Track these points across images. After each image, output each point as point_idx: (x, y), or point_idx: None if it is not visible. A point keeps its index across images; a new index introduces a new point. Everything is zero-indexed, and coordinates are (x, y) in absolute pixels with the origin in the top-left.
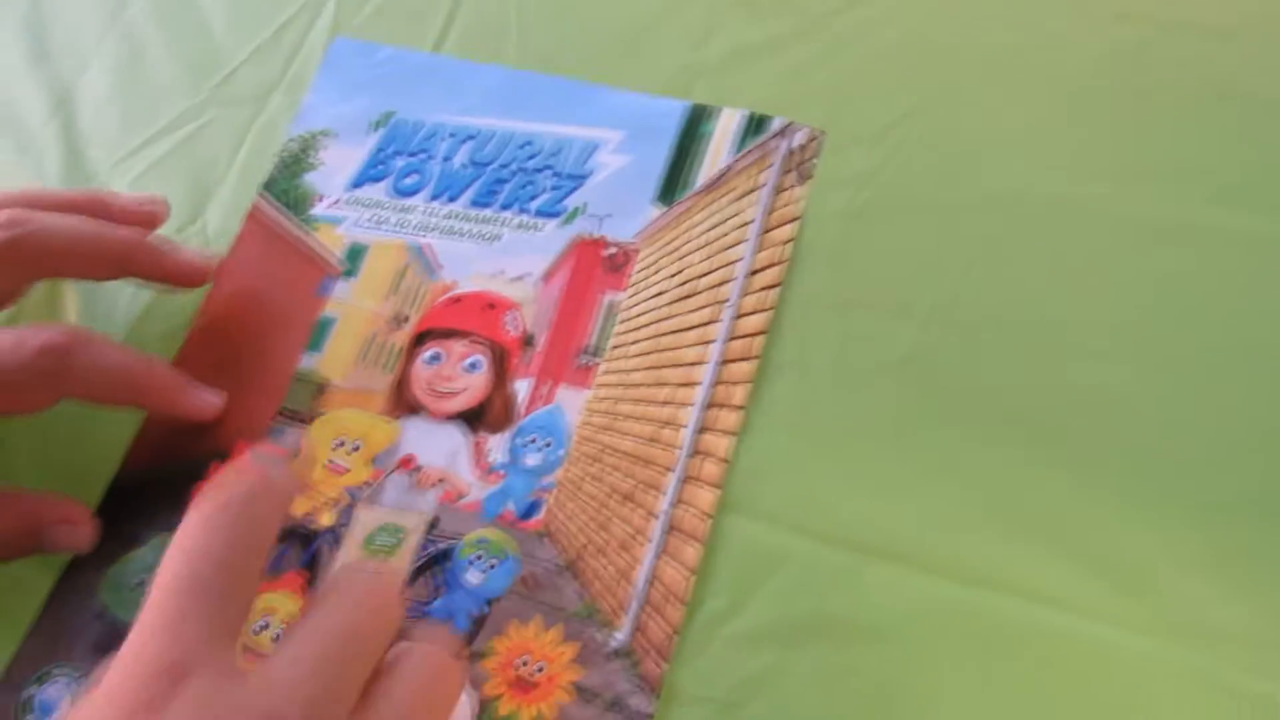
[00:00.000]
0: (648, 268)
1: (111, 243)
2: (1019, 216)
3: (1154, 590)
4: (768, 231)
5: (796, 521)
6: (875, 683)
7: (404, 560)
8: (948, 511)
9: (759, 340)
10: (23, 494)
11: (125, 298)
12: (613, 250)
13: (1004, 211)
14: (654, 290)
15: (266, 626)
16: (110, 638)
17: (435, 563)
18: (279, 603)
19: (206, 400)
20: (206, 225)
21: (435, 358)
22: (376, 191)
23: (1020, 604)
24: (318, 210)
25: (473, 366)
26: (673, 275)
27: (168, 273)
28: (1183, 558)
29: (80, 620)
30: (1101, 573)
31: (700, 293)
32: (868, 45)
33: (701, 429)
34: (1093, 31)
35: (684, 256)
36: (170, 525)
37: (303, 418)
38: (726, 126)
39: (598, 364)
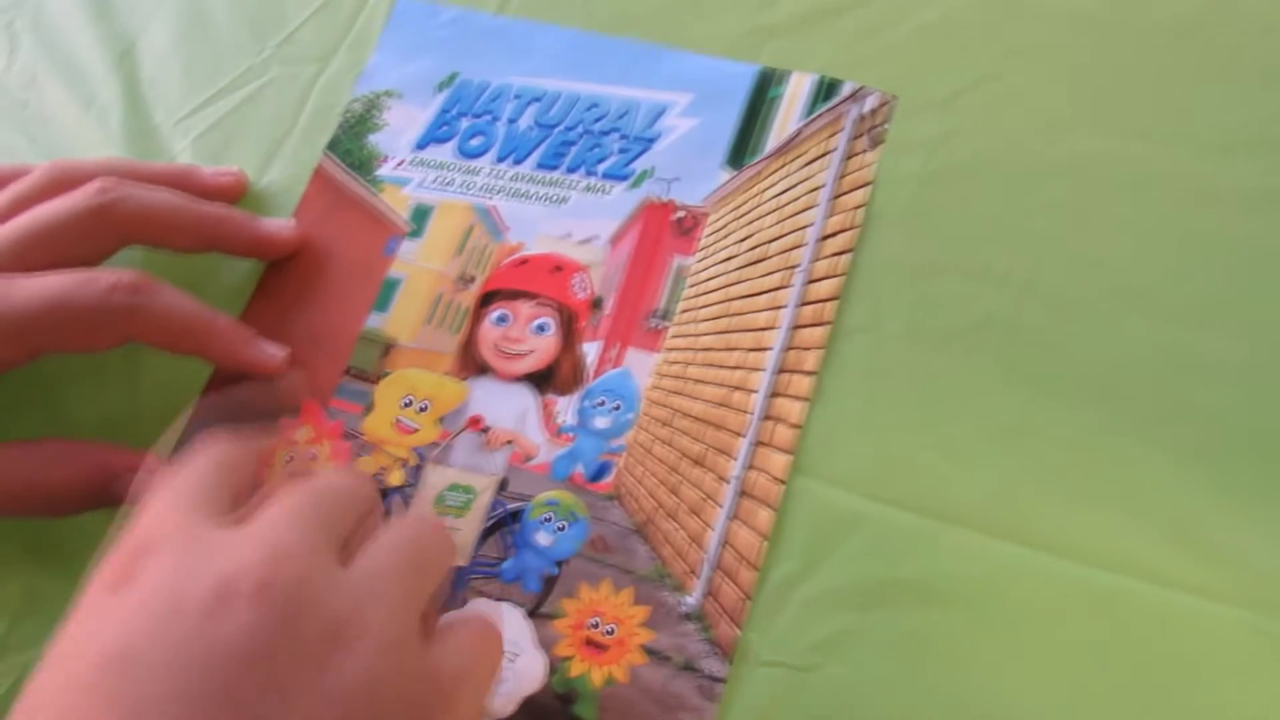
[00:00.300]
0: (717, 232)
1: (201, 215)
2: (1097, 181)
3: (1232, 558)
4: (839, 196)
5: (870, 486)
6: (949, 648)
7: (474, 520)
8: (1023, 477)
9: (831, 305)
10: (92, 445)
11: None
12: (681, 214)
13: (1082, 176)
14: (724, 255)
15: None
16: None
17: (504, 524)
18: None
19: (269, 353)
20: (270, 185)
21: (502, 319)
22: (442, 153)
23: (1096, 571)
24: (383, 171)
25: (541, 328)
26: (742, 240)
27: (253, 245)
28: (1263, 526)
29: None
30: (1178, 540)
31: (771, 257)
32: (942, 7)
33: (773, 394)
34: None
35: (754, 221)
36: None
37: (369, 377)
38: (797, 90)
39: (667, 327)
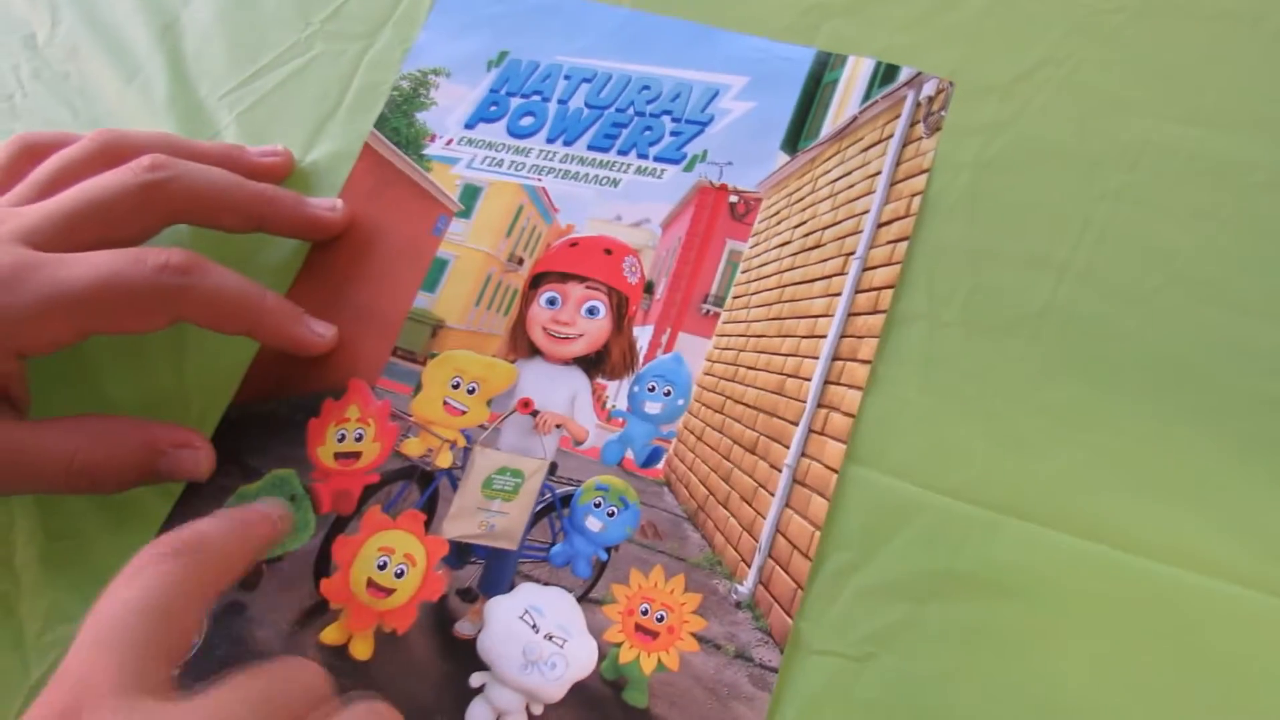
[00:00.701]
0: (771, 217)
1: (251, 195)
2: (1162, 168)
3: None
4: (896, 183)
5: (926, 476)
6: (1005, 640)
7: (523, 504)
8: (1082, 468)
9: (887, 294)
10: (138, 421)
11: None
12: (735, 198)
13: (1147, 162)
14: (779, 240)
15: (385, 565)
16: None
17: (553, 508)
18: (397, 541)
19: (318, 331)
20: (316, 162)
21: (552, 301)
22: (492, 132)
23: (1156, 564)
24: (432, 149)
25: (592, 311)
26: (798, 225)
27: (302, 226)
28: None
29: None
30: (1240, 533)
31: (826, 244)
32: None
33: (828, 381)
34: None
35: (809, 207)
36: (285, 461)
37: (417, 358)
38: (854, 74)
39: (719, 313)
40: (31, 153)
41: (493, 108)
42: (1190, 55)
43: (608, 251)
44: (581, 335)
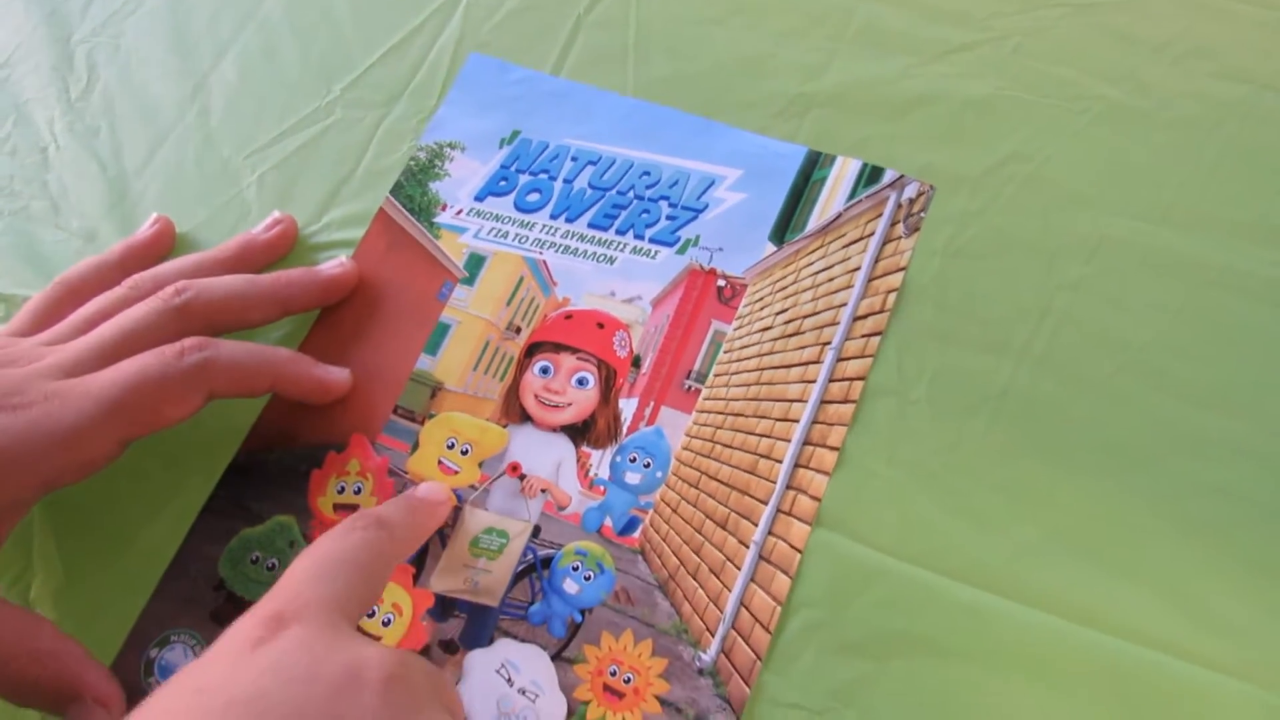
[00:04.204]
0: (756, 303)
1: (268, 288)
2: (1119, 261)
3: (1237, 631)
4: (874, 279)
5: (890, 543)
6: (958, 701)
7: (506, 563)
8: (1035, 543)
9: (858, 385)
10: (68, 651)
11: None
12: (723, 283)
13: (1104, 256)
14: (761, 325)
15: (374, 614)
16: (227, 609)
17: (534, 569)
18: (386, 592)
19: (335, 373)
20: (331, 224)
21: (545, 370)
22: (500, 205)
23: (1100, 635)
24: (443, 218)
25: (581, 382)
26: (779, 312)
27: (321, 293)
28: (1267, 602)
29: (199, 589)
30: (1185, 610)
31: (805, 332)
32: (978, 85)
33: (797, 465)
34: (1195, 87)
35: (792, 295)
36: (287, 507)
37: (417, 418)
38: (841, 173)
39: (700, 389)
40: (73, 292)
41: (502, 182)
42: (1149, 157)
43: (600, 325)
44: (571, 404)
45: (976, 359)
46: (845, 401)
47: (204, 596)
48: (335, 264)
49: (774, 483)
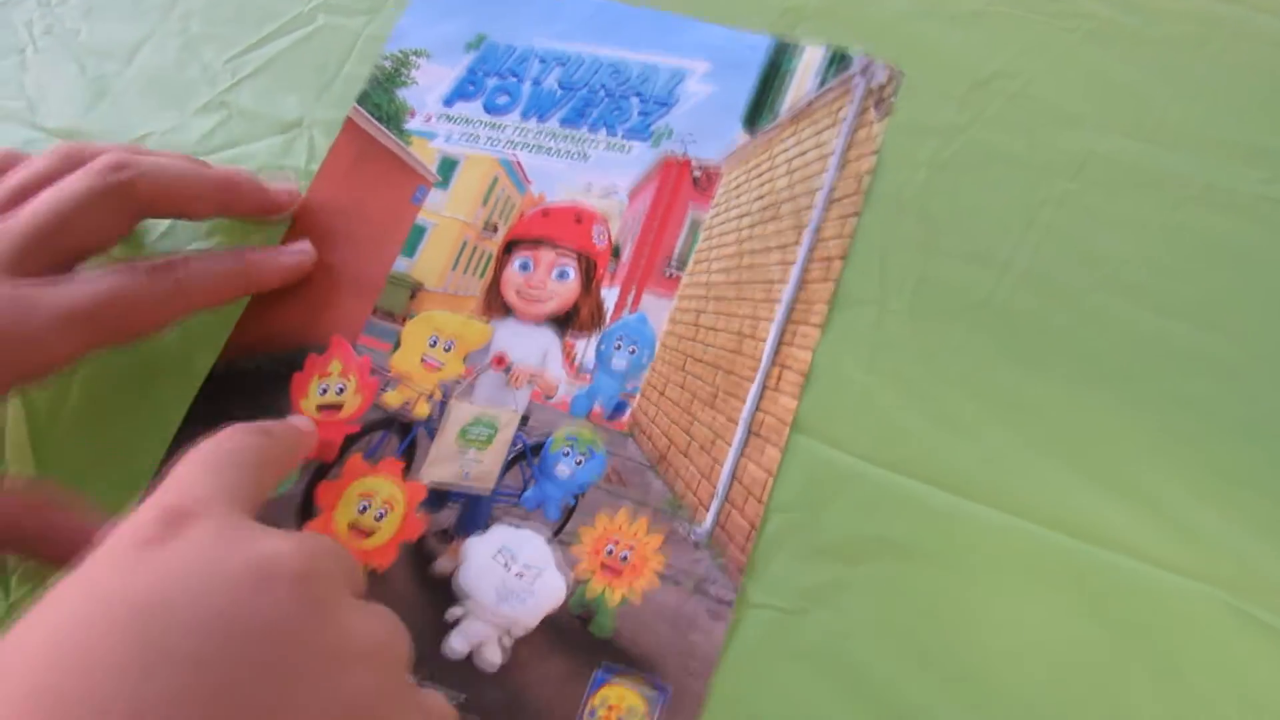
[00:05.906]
0: (732, 189)
1: (216, 180)
2: (1103, 178)
3: (1208, 539)
4: (847, 163)
5: (865, 449)
6: (929, 603)
7: (497, 452)
8: (1012, 450)
9: (837, 264)
10: (38, 496)
11: None
12: (698, 171)
13: (1086, 173)
14: (738, 210)
15: (366, 509)
16: None
17: (525, 456)
18: (378, 486)
19: (285, 188)
20: (312, 131)
21: (525, 266)
22: (469, 109)
23: (1075, 541)
24: (412, 124)
25: (562, 275)
26: (757, 198)
27: (264, 206)
28: (1239, 511)
29: None
30: (1157, 517)
31: (782, 216)
32: (967, 1)
33: (781, 342)
34: (1184, 6)
35: (767, 181)
36: (270, 411)
37: (397, 318)
38: (810, 62)
39: (681, 275)
40: None
41: (470, 87)
42: (1136, 75)
43: (577, 219)
44: (553, 297)
45: (959, 270)
46: (825, 281)
47: None
48: (288, 187)
49: (759, 359)
